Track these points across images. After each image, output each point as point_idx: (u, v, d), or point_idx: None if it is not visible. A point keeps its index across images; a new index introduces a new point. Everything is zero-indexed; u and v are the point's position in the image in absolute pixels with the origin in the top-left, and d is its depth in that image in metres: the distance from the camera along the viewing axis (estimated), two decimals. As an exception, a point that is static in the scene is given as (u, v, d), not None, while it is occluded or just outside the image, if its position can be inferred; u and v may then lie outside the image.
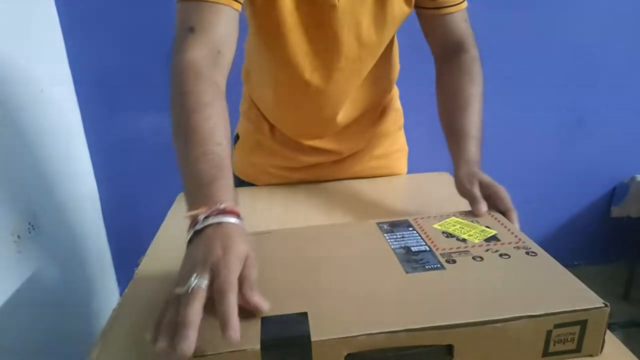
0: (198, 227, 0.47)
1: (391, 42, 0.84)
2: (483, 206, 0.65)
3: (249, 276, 0.45)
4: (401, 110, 0.99)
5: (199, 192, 0.51)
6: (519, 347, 0.45)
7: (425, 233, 0.60)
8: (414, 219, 0.64)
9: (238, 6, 0.66)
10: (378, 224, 0.63)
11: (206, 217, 0.47)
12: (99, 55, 1.53)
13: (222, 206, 0.48)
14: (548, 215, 1.95)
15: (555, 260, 0.53)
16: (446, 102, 0.79)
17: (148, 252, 0.72)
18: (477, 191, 0.66)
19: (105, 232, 1.73)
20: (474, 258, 0.54)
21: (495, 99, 1.75)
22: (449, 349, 0.44)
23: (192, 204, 0.51)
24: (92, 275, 1.63)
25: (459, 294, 0.48)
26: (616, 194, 1.93)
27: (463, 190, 0.69)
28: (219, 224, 0.47)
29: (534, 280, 0.50)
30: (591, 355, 0.47)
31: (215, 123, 0.56)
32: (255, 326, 0.43)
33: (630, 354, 0.47)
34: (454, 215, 0.64)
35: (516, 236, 0.58)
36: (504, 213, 0.65)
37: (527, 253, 0.54)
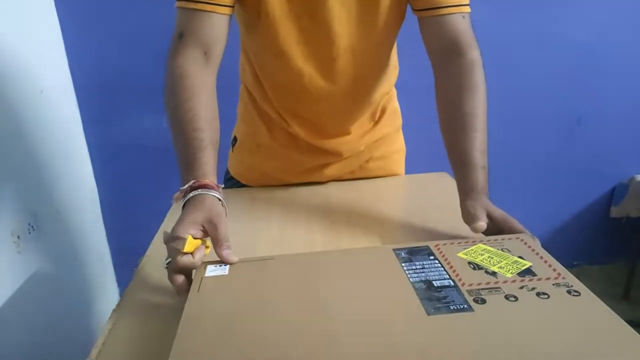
0: (182, 202, 0.63)
1: (390, 43, 0.84)
2: (481, 222, 0.61)
3: (214, 236, 0.57)
4: (399, 111, 0.99)
5: (182, 174, 0.65)
6: None
7: (448, 263, 0.53)
8: (435, 245, 0.56)
9: (225, 10, 0.71)
10: (395, 250, 0.56)
11: (184, 194, 0.62)
12: (98, 55, 1.53)
13: (194, 183, 0.62)
14: (548, 215, 1.95)
15: (601, 302, 0.46)
16: (447, 122, 0.75)
17: (148, 252, 0.72)
18: (483, 215, 0.62)
19: (105, 232, 1.73)
20: (506, 297, 0.46)
21: (494, 98, 1.75)
22: None
23: (181, 183, 0.65)
24: (92, 275, 1.63)
25: (489, 343, 0.41)
26: (616, 194, 1.93)
27: (468, 217, 0.64)
28: (189, 199, 0.61)
29: (578, 328, 0.42)
30: None
31: (194, 114, 0.66)
32: None
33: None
34: (481, 242, 0.57)
35: (554, 270, 0.51)
36: None
37: (569, 292, 0.47)
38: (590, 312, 0.44)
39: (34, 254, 1.25)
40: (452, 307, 0.45)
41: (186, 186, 0.62)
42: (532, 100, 1.76)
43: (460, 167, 0.70)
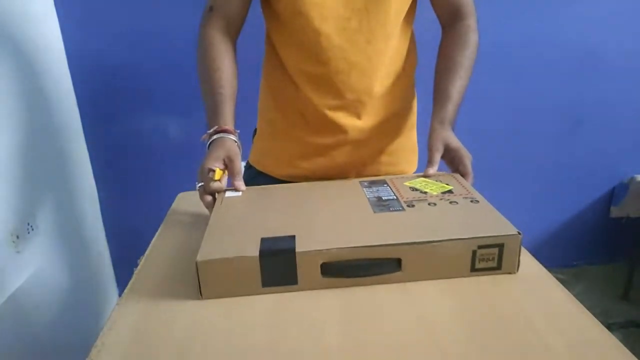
0: (207, 142, 0.80)
1: (402, 10, 0.87)
2: (431, 170, 0.80)
3: (231, 169, 0.77)
4: (415, 111, 1.01)
5: (209, 121, 0.83)
6: (452, 263, 0.60)
7: (396, 188, 0.76)
8: (390, 179, 0.80)
9: None
10: (360, 181, 0.80)
11: (210, 136, 0.80)
12: (98, 55, 1.53)
13: (217, 128, 0.80)
14: (548, 215, 1.95)
15: (492, 206, 0.67)
16: (438, 70, 0.90)
17: (147, 252, 0.72)
18: (437, 156, 0.80)
19: (104, 232, 1.73)
20: (429, 204, 0.69)
21: (494, 98, 1.75)
22: (399, 262, 0.59)
23: (207, 127, 0.82)
24: (91, 275, 1.63)
25: (410, 224, 0.64)
26: (615, 194, 1.93)
27: (430, 148, 0.82)
28: (213, 140, 0.79)
29: (469, 217, 0.65)
30: (510, 273, 0.61)
31: (220, 75, 0.84)
32: (256, 243, 0.59)
33: (630, 354, 0.47)
34: (423, 176, 0.80)
35: (468, 191, 0.73)
36: (463, 175, 0.80)
37: (472, 201, 0.69)
38: (481, 210, 0.67)
39: (33, 254, 1.25)
40: (391, 209, 0.68)
41: (212, 130, 0.80)
42: (532, 100, 1.76)
43: (438, 100, 0.86)
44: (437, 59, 0.91)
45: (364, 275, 0.59)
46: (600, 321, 0.52)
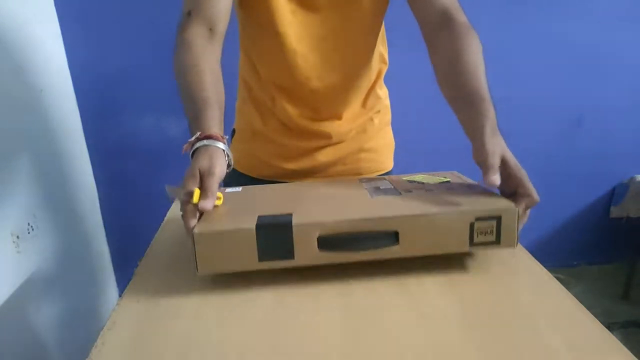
0: (189, 151, 0.67)
1: (375, 25, 0.87)
2: (497, 178, 0.60)
3: (202, 184, 0.61)
4: (389, 108, 1.03)
5: (191, 129, 0.69)
6: (449, 236, 0.59)
7: (395, 182, 0.75)
8: (389, 177, 0.80)
9: None
10: (359, 179, 0.80)
11: (192, 144, 0.66)
12: (98, 55, 1.53)
13: (200, 135, 0.66)
14: (548, 215, 1.95)
15: (482, 187, 0.67)
16: (447, 76, 0.76)
17: (147, 252, 0.72)
18: (497, 160, 0.61)
19: (104, 232, 1.73)
20: (426, 190, 0.69)
21: (494, 98, 1.75)
22: (396, 235, 0.58)
23: (190, 134, 0.69)
24: (91, 275, 1.63)
25: (407, 202, 0.64)
26: (616, 194, 1.93)
27: (481, 158, 0.62)
28: (197, 149, 0.65)
29: (466, 195, 0.65)
30: (510, 247, 0.60)
31: (200, 79, 0.72)
32: (254, 218, 0.59)
33: (630, 354, 0.47)
34: (422, 173, 0.80)
35: (465, 182, 0.73)
36: (523, 197, 0.62)
37: (468, 186, 0.70)
38: (478, 190, 0.67)
39: (34, 254, 1.25)
40: (388, 194, 0.68)
41: (193, 138, 0.67)
42: (532, 100, 1.76)
43: (469, 104, 0.69)
44: (440, 67, 0.78)
45: (361, 249, 0.59)
46: (600, 321, 0.52)
